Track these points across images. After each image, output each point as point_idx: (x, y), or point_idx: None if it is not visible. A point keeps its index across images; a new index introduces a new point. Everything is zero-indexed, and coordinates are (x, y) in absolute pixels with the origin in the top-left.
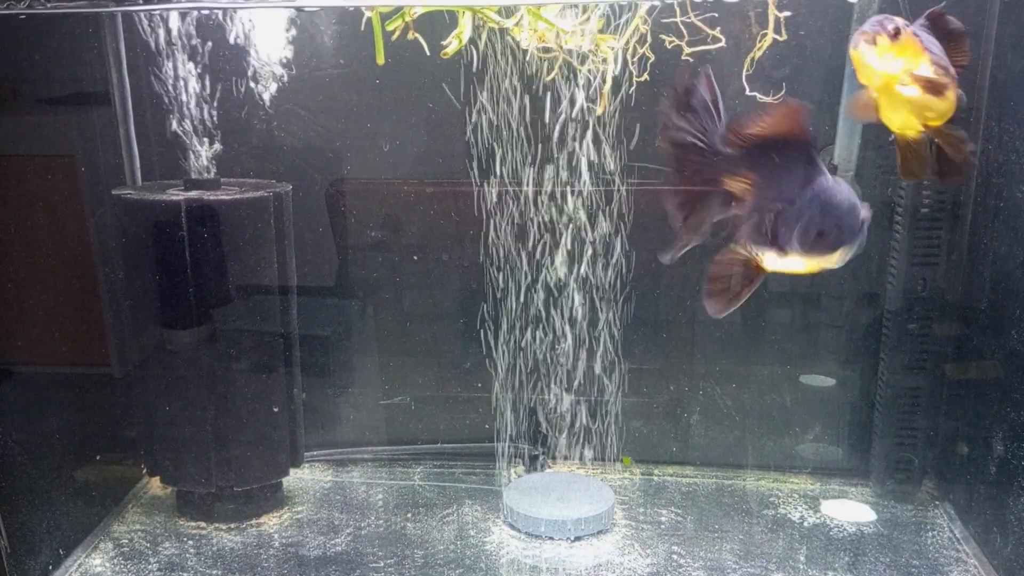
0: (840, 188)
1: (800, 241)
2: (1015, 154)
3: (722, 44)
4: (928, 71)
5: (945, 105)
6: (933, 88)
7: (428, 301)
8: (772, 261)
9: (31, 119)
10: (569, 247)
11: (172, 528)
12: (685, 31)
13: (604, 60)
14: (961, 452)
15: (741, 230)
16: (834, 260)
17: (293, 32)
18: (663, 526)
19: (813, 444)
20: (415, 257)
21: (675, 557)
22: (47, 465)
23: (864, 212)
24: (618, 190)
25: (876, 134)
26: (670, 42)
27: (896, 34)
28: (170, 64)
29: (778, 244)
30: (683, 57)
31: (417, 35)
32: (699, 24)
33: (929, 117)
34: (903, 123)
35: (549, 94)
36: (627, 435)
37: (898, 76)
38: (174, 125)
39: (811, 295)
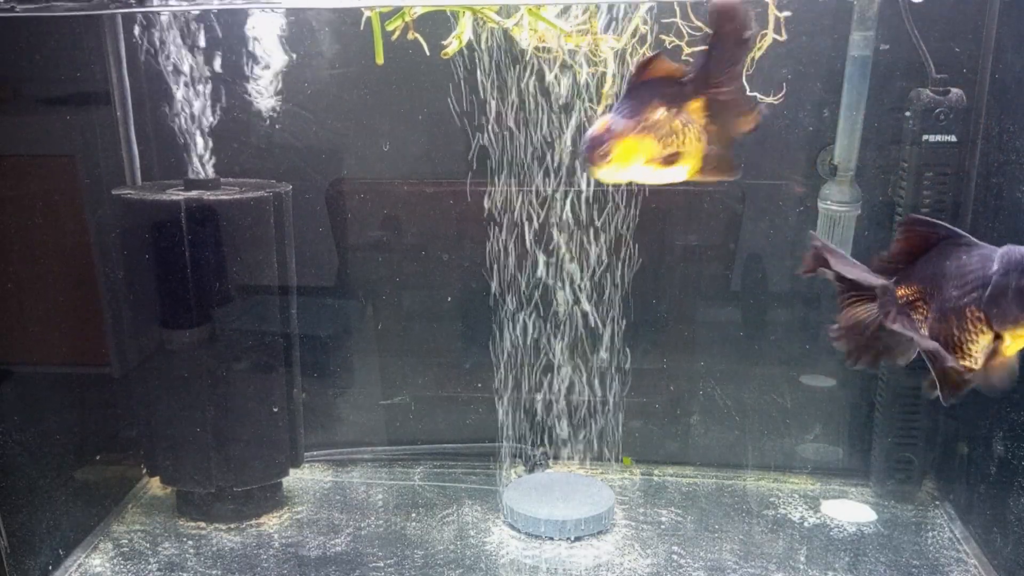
0: (1018, 248)
1: (1021, 307)
2: (1015, 154)
3: None
4: (656, 150)
5: (689, 147)
6: (670, 160)
7: (428, 301)
8: (1004, 346)
9: (31, 119)
10: (571, 248)
11: (172, 528)
12: (685, 31)
13: (604, 61)
14: (961, 452)
15: (941, 356)
16: None
17: (293, 32)
18: (663, 526)
19: (813, 444)
20: (422, 253)
21: (675, 557)
22: (47, 465)
23: None
24: (619, 190)
25: (876, 134)
26: (670, 42)
27: (606, 156)
28: (170, 64)
29: (1004, 321)
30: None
31: (417, 35)
32: (700, 24)
33: (695, 163)
34: (681, 175)
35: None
36: (627, 435)
37: (639, 170)
38: (174, 125)
39: (811, 295)
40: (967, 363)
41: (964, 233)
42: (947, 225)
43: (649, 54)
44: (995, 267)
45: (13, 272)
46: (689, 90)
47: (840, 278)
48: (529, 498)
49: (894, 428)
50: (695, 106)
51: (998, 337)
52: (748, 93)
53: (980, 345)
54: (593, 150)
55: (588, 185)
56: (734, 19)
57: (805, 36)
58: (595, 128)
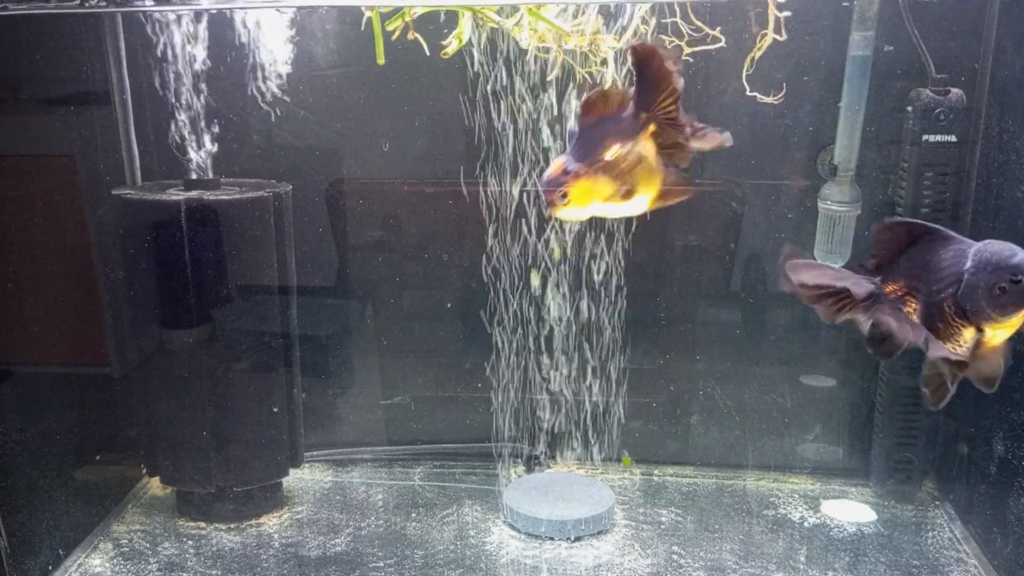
0: (991, 244)
1: (994, 304)
2: (1015, 154)
3: (722, 44)
4: (613, 187)
5: (646, 178)
6: (628, 194)
7: (428, 301)
8: (989, 336)
9: (31, 119)
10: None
11: (172, 528)
12: (685, 31)
13: (603, 61)
14: (961, 452)
15: (932, 345)
16: None
17: (294, 32)
18: (663, 526)
19: (813, 444)
20: (422, 254)
21: (675, 557)
22: (47, 465)
23: None
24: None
25: (876, 134)
26: (670, 42)
27: (564, 197)
28: (170, 63)
29: (978, 317)
30: (683, 57)
31: (417, 35)
32: (700, 24)
33: (654, 192)
34: (640, 205)
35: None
36: (627, 435)
37: (599, 207)
38: (175, 125)
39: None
40: (957, 354)
41: (940, 228)
42: (922, 222)
43: (590, 92)
44: (968, 264)
45: (13, 272)
46: (638, 121)
47: (821, 289)
48: (529, 498)
49: (894, 428)
50: (646, 135)
51: (980, 330)
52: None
53: (965, 337)
54: (551, 192)
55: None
56: (652, 59)
57: (805, 36)
58: (551, 170)
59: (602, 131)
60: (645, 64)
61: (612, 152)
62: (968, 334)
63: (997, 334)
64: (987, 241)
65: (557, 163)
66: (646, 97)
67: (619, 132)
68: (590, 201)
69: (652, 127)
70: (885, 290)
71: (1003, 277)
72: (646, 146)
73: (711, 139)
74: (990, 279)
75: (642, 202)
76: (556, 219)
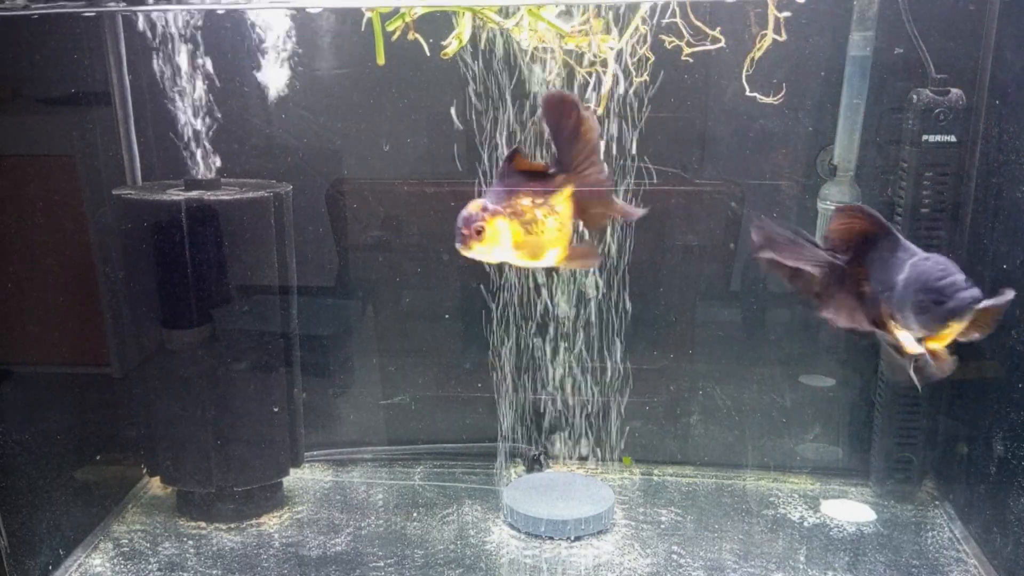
0: (926, 260)
1: (919, 322)
2: (1015, 154)
3: (722, 44)
4: (521, 235)
5: (557, 232)
6: (537, 247)
7: (428, 301)
8: (910, 341)
9: (31, 119)
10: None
11: (172, 528)
12: (686, 31)
13: (604, 61)
14: (961, 452)
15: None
16: (960, 325)
17: (294, 32)
18: (663, 526)
19: (813, 444)
20: (422, 253)
21: (675, 557)
22: (47, 465)
23: (964, 286)
24: (619, 189)
25: (876, 134)
26: (670, 42)
27: (480, 232)
28: (171, 64)
29: (908, 328)
30: (683, 57)
31: (417, 35)
32: (700, 25)
33: (554, 257)
34: (546, 261)
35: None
36: (627, 435)
37: (508, 252)
38: (174, 125)
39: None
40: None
41: (892, 229)
42: (879, 219)
43: (512, 150)
44: (902, 275)
45: (13, 272)
46: (557, 181)
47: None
48: (529, 498)
49: (894, 428)
50: (562, 197)
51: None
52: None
53: (903, 335)
54: (466, 227)
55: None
56: (563, 108)
57: (805, 36)
58: (469, 208)
59: (520, 181)
60: (558, 118)
61: (524, 202)
62: (903, 335)
63: (934, 341)
64: (925, 256)
65: (475, 203)
66: (564, 156)
67: (537, 185)
68: (500, 243)
69: (569, 189)
70: (848, 271)
71: (927, 296)
72: (562, 205)
73: (627, 213)
74: (916, 296)
75: (551, 257)
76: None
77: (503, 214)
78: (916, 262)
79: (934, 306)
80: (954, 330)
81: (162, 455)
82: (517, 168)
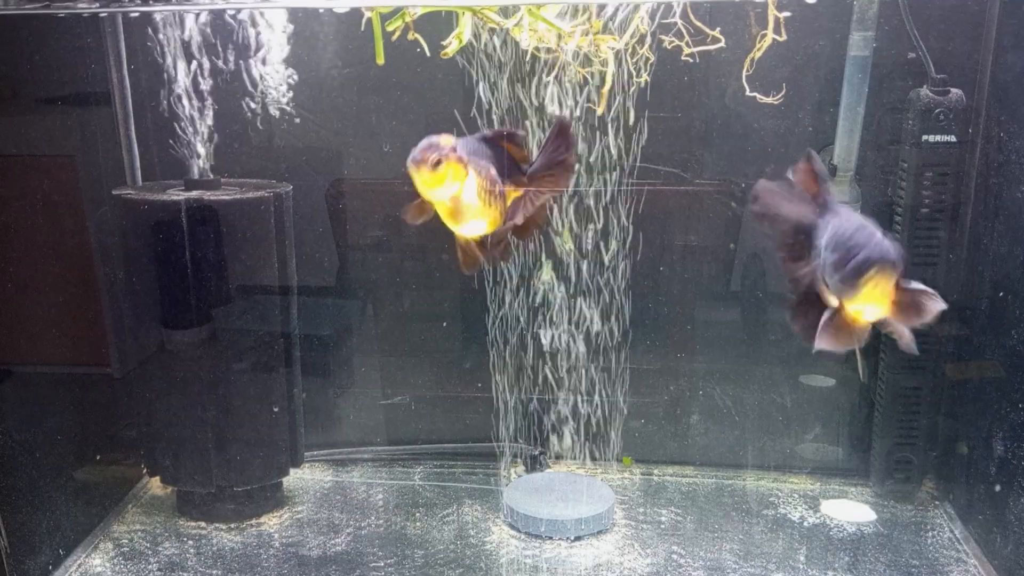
0: (841, 225)
1: (834, 281)
2: (1015, 154)
3: (722, 44)
4: (472, 193)
5: (493, 215)
6: (473, 213)
7: (428, 301)
8: (851, 306)
9: (31, 119)
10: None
11: (172, 528)
12: (686, 32)
13: (604, 61)
14: (961, 452)
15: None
16: (877, 285)
17: (294, 32)
18: (663, 526)
19: (813, 444)
20: (422, 254)
21: (675, 557)
22: (47, 465)
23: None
24: (620, 189)
25: (876, 134)
26: (670, 43)
27: (437, 164)
28: (171, 64)
29: (832, 291)
30: (683, 57)
31: (417, 35)
32: (699, 25)
33: (474, 230)
34: (457, 229)
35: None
36: (627, 435)
37: (439, 201)
38: (174, 125)
39: None
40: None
41: (829, 195)
42: (827, 184)
43: (509, 129)
44: (825, 238)
45: (13, 272)
46: (519, 179)
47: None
48: (529, 498)
49: (894, 428)
50: (513, 192)
51: (835, 314)
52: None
53: (832, 303)
54: (427, 152)
55: (588, 185)
56: (562, 137)
57: (805, 36)
58: (439, 139)
59: (497, 156)
60: (557, 144)
61: (492, 172)
62: (834, 301)
63: (860, 308)
64: (845, 218)
65: (448, 138)
66: (538, 167)
67: (508, 168)
68: (446, 186)
69: (518, 192)
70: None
71: (838, 253)
72: (509, 196)
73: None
74: (831, 255)
75: (479, 227)
76: (405, 209)
77: (466, 163)
78: (834, 224)
79: (843, 264)
80: (870, 293)
81: (162, 455)
82: (502, 142)
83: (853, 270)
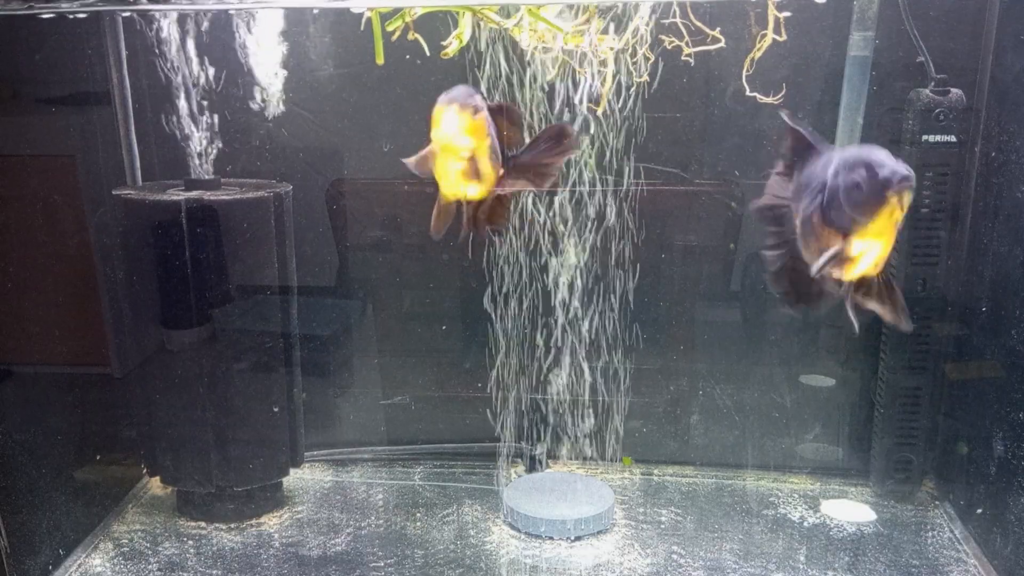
0: (849, 151)
1: (852, 204)
2: (1015, 154)
3: (722, 44)
4: (484, 153)
5: (487, 183)
6: (476, 175)
7: (428, 301)
8: (855, 247)
9: (31, 119)
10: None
11: (172, 528)
12: (686, 32)
13: (604, 61)
14: (961, 452)
15: (818, 256)
16: (899, 206)
17: (294, 32)
18: (663, 526)
19: (813, 444)
20: (422, 254)
21: (675, 557)
22: (47, 465)
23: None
24: (621, 189)
25: (876, 134)
26: (670, 43)
27: (477, 112)
28: (171, 64)
29: (841, 222)
30: (683, 57)
31: (417, 35)
32: (699, 25)
33: (467, 191)
34: (446, 187)
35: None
36: (627, 435)
37: (459, 150)
38: (175, 125)
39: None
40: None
41: (819, 143)
42: (809, 135)
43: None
44: (831, 169)
45: (13, 272)
46: (508, 160)
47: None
48: (529, 498)
49: (894, 428)
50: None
51: (842, 249)
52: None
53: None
54: (471, 99)
55: (587, 185)
56: (559, 138)
57: (805, 36)
58: (473, 92)
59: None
60: (550, 144)
61: (496, 143)
62: (837, 244)
63: (867, 243)
64: (849, 150)
65: (481, 98)
66: (524, 154)
67: (502, 144)
68: (474, 136)
69: (500, 171)
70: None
71: (859, 173)
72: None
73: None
74: (848, 178)
75: (472, 189)
76: (416, 162)
77: (488, 127)
78: (844, 152)
79: (867, 180)
80: (890, 213)
81: (162, 455)
82: (499, 117)
83: (881, 184)
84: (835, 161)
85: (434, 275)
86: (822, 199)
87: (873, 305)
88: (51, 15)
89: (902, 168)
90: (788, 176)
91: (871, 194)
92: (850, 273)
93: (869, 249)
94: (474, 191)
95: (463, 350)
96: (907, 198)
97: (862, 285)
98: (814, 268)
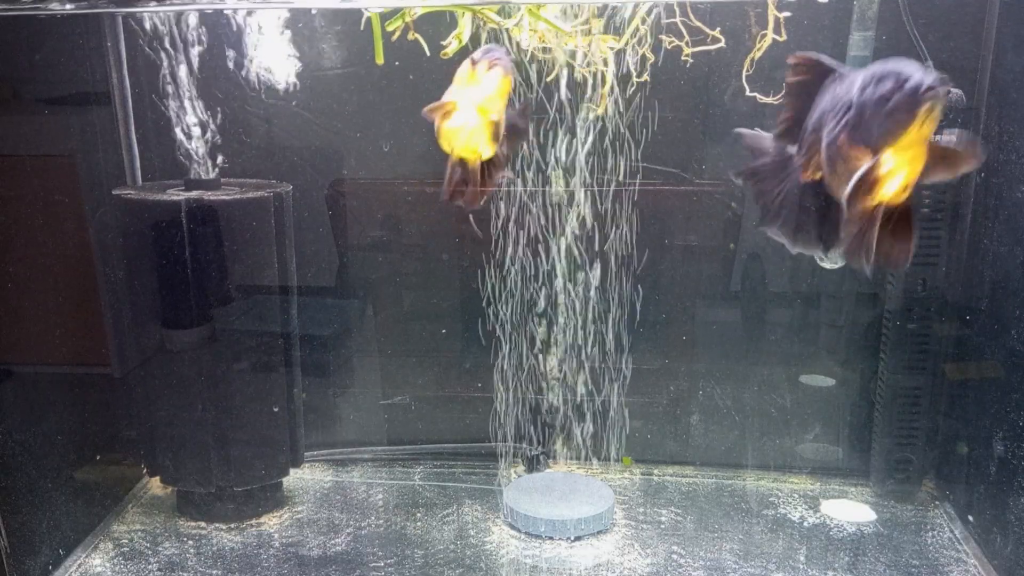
0: (875, 65)
1: (882, 117)
2: (1015, 154)
3: (722, 44)
4: (504, 113)
5: (490, 149)
6: (495, 135)
7: (428, 301)
8: (886, 164)
9: (31, 119)
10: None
11: (172, 528)
12: (686, 31)
13: (604, 61)
14: (961, 452)
15: (845, 186)
16: (930, 116)
17: (294, 32)
18: (663, 526)
19: (813, 444)
20: (422, 254)
21: (675, 557)
22: (47, 465)
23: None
24: (622, 190)
25: None
26: (670, 42)
27: (496, 65)
28: (171, 64)
29: (874, 141)
30: (683, 57)
31: (417, 35)
32: (699, 25)
33: (472, 150)
34: (452, 145)
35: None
36: (627, 435)
37: (493, 111)
38: (175, 125)
39: (811, 295)
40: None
41: (839, 66)
42: (825, 61)
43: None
44: (856, 86)
45: (13, 272)
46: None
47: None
48: (529, 498)
49: (894, 428)
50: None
51: (874, 165)
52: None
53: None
54: (497, 53)
55: (587, 186)
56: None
57: (805, 36)
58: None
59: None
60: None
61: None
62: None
63: (897, 161)
64: (872, 66)
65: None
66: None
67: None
68: (504, 95)
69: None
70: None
71: (887, 84)
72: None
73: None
74: (876, 91)
75: (484, 149)
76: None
77: (507, 91)
78: (870, 68)
79: (898, 90)
80: (921, 125)
81: (162, 455)
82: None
83: (911, 92)
84: (860, 78)
85: (434, 275)
86: (848, 119)
87: (888, 243)
88: (59, 13)
89: (933, 76)
90: (790, 132)
91: (902, 104)
92: (879, 196)
93: (900, 168)
94: (486, 150)
95: (463, 350)
96: (939, 108)
97: (885, 216)
98: (848, 188)
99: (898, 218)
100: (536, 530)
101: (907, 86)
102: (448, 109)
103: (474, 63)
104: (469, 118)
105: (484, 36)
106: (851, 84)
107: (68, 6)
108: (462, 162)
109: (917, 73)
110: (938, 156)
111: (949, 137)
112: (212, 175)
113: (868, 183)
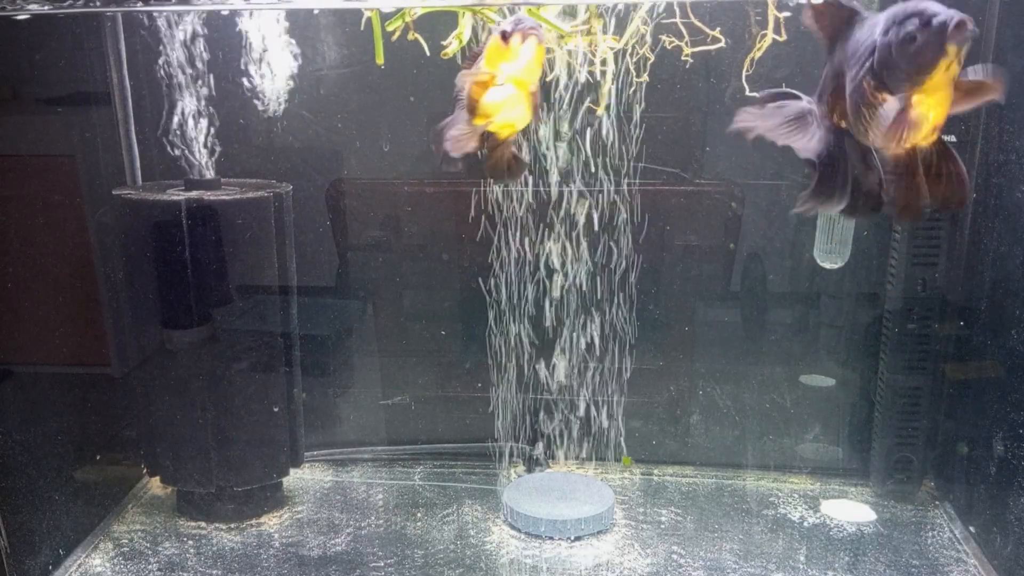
0: (898, 5)
1: (907, 58)
2: (1015, 154)
3: (722, 44)
4: (534, 81)
5: (531, 119)
6: (535, 106)
7: (428, 301)
8: (916, 107)
9: (31, 119)
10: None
11: (172, 528)
12: (686, 31)
13: (604, 61)
14: (961, 452)
15: (871, 127)
16: (959, 55)
17: (293, 32)
18: (663, 526)
19: (813, 444)
20: (422, 254)
21: (675, 557)
22: (47, 465)
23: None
24: (622, 189)
25: None
26: (670, 42)
27: (527, 36)
28: (171, 64)
29: (896, 81)
30: (683, 57)
31: (417, 36)
32: (699, 25)
33: (509, 124)
34: (489, 119)
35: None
36: (627, 435)
37: (521, 79)
38: (175, 125)
39: (811, 295)
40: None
41: (860, 9)
42: (848, 4)
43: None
44: (879, 28)
45: (13, 272)
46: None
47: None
48: (529, 498)
49: (894, 428)
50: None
51: (905, 109)
52: None
53: (888, 108)
54: (527, 24)
55: (588, 186)
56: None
57: (805, 36)
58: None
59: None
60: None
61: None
62: (888, 108)
63: (925, 102)
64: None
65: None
66: None
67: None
68: (534, 60)
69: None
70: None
71: (911, 24)
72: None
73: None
74: (899, 31)
75: (518, 117)
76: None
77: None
78: (891, 8)
79: (923, 29)
80: (948, 65)
81: (162, 455)
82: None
83: (936, 31)
84: (884, 19)
85: (434, 275)
86: (872, 62)
87: (939, 187)
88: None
89: (958, 14)
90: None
91: (927, 43)
92: (912, 140)
93: (928, 110)
94: (520, 119)
95: (463, 350)
96: (965, 47)
97: (925, 160)
98: (883, 129)
99: (939, 158)
100: (536, 530)
101: (933, 24)
102: (486, 81)
103: (505, 36)
104: (509, 92)
105: (484, 36)
106: (873, 26)
107: (46, 7)
108: (491, 136)
109: (942, 12)
110: (962, 91)
111: (974, 74)
112: (212, 175)
113: (901, 128)
